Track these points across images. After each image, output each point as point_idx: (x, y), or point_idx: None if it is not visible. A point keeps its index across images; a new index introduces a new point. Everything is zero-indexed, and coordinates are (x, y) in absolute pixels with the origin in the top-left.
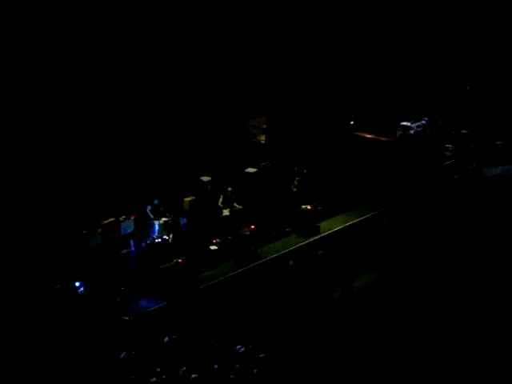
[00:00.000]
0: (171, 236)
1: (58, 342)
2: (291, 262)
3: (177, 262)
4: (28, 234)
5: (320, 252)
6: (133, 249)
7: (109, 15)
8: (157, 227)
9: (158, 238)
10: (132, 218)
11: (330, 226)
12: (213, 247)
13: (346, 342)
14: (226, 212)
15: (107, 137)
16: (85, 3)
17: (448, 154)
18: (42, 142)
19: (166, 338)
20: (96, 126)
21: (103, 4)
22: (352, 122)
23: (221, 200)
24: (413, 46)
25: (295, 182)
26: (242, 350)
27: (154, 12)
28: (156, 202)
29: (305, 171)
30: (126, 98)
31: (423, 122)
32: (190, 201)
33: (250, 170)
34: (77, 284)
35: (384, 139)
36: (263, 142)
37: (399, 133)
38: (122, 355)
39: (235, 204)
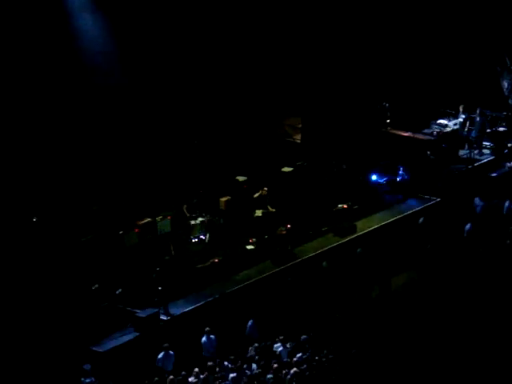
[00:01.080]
0: (208, 236)
1: (95, 343)
2: (324, 263)
3: (213, 261)
4: (66, 236)
5: (358, 250)
6: None
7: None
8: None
9: (195, 237)
10: (168, 218)
11: (367, 225)
12: (249, 247)
13: (385, 340)
14: (258, 213)
15: (144, 137)
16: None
17: (486, 151)
18: (78, 143)
19: (204, 338)
20: (133, 126)
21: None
22: (388, 121)
23: (257, 195)
24: (449, 43)
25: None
26: (280, 349)
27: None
28: (193, 201)
29: (344, 166)
30: (164, 97)
31: (460, 119)
32: (226, 200)
33: (286, 169)
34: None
35: (420, 137)
36: (299, 141)
37: (436, 130)
38: (160, 356)
39: (268, 207)
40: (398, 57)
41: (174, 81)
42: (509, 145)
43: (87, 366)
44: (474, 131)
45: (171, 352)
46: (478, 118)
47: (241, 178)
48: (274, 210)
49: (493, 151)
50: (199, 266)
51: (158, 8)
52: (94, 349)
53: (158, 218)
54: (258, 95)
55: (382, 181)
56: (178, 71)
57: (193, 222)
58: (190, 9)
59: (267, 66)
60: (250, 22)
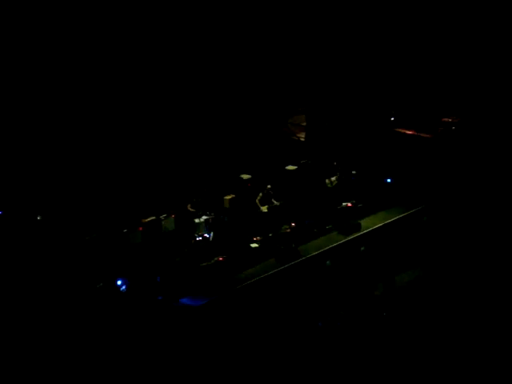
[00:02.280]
0: (212, 234)
1: (100, 341)
2: (328, 262)
3: (217, 260)
4: (70, 234)
5: (362, 248)
6: None
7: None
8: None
9: (199, 236)
10: (172, 216)
11: (371, 224)
12: (253, 245)
13: (389, 338)
14: (264, 209)
15: (146, 136)
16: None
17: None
18: (83, 141)
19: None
20: (135, 125)
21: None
22: (392, 119)
23: (258, 198)
24: (453, 42)
25: (333, 179)
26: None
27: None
28: (198, 200)
29: (348, 168)
30: (166, 96)
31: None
32: (230, 199)
33: (290, 167)
34: (119, 282)
35: (425, 135)
36: (303, 139)
37: (440, 129)
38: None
39: (273, 200)
40: (404, 55)
41: (178, 79)
42: None
43: None
44: None
45: None
46: None
47: (245, 177)
48: (278, 204)
49: None
50: (203, 264)
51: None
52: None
53: (162, 217)
54: (263, 93)
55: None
56: (183, 69)
57: (197, 221)
58: (193, 7)
59: (272, 65)
60: (254, 20)
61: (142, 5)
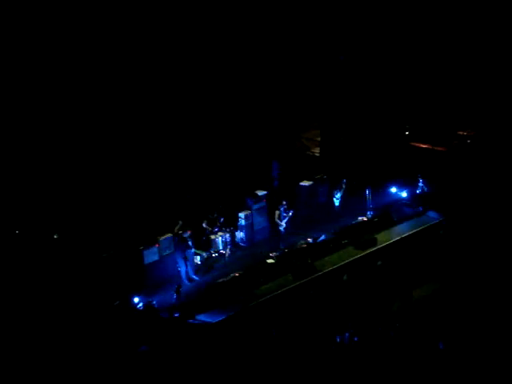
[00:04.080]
0: (228, 250)
1: (117, 358)
2: (345, 277)
3: (234, 275)
4: (87, 251)
5: (379, 263)
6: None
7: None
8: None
9: (215, 252)
10: (188, 232)
11: (387, 238)
12: (270, 261)
13: (406, 353)
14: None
15: (163, 152)
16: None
17: None
18: (98, 160)
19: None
20: (153, 141)
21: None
22: (407, 133)
23: (277, 216)
24: (469, 56)
25: (337, 196)
26: None
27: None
28: (214, 216)
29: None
30: (184, 113)
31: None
32: (246, 215)
33: (305, 182)
34: (136, 300)
35: (440, 149)
36: (317, 154)
37: (455, 142)
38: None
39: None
40: (418, 69)
41: (190, 93)
42: None
43: None
44: None
45: None
46: None
47: (261, 192)
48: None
49: None
50: (220, 280)
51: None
52: None
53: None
54: (277, 109)
55: (402, 194)
56: (193, 82)
57: (213, 237)
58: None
59: (287, 80)
60: (266, 32)
61: (143, 5)
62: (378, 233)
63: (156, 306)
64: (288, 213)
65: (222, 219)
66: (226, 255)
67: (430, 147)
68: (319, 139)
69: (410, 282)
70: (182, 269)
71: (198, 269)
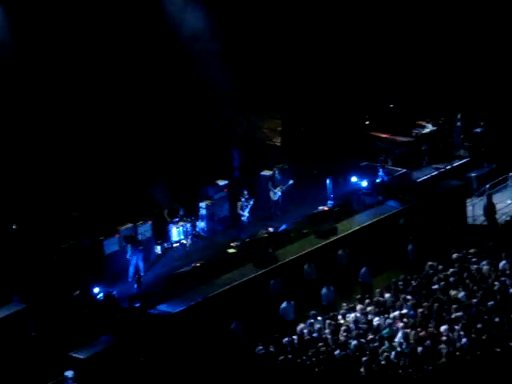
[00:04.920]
0: (189, 240)
1: (77, 347)
2: (306, 266)
3: (195, 265)
4: (45, 242)
5: (340, 252)
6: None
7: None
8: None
9: (176, 242)
10: (149, 222)
11: (347, 227)
12: (231, 250)
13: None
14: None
15: (124, 143)
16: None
17: (462, 152)
18: (57, 150)
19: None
20: (114, 131)
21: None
22: (367, 122)
23: (239, 207)
24: (429, 44)
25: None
26: (262, 351)
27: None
28: (175, 206)
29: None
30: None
31: (440, 121)
32: (207, 205)
33: (267, 172)
34: (96, 290)
35: (399, 139)
36: (279, 144)
37: (415, 132)
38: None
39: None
40: (378, 59)
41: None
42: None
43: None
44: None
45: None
46: (458, 123)
47: (221, 182)
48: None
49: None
50: (181, 270)
51: None
52: (74, 355)
53: (138, 223)
54: (238, 99)
55: (362, 183)
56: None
57: (174, 227)
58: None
59: (248, 69)
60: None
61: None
62: (339, 222)
63: (116, 296)
64: (249, 201)
65: (181, 210)
66: (187, 245)
67: (390, 137)
68: (280, 129)
69: (372, 270)
70: (132, 266)
71: (158, 259)
